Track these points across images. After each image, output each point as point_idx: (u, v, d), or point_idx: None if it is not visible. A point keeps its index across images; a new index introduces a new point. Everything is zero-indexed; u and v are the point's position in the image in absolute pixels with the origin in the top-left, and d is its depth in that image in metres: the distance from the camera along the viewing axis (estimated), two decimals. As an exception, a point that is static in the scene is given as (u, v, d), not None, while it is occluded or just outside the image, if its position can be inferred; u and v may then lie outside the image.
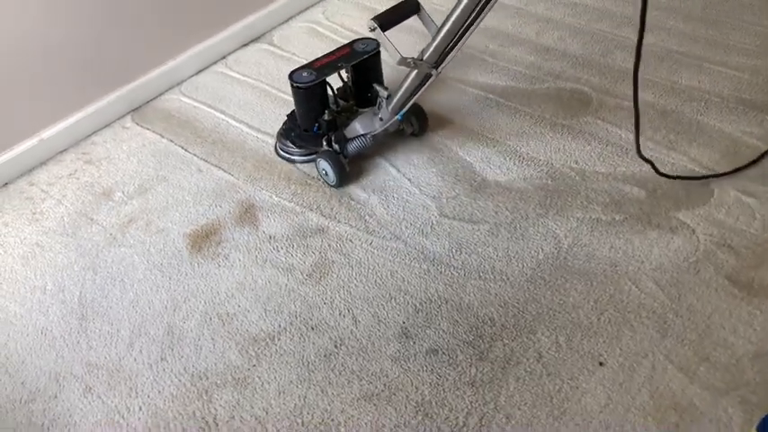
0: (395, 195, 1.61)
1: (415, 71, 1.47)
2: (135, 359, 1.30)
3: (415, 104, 1.60)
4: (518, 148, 1.71)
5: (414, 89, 1.51)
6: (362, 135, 1.62)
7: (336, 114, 1.66)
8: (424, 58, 1.44)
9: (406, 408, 1.19)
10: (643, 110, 1.79)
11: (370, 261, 1.45)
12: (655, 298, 1.33)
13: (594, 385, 1.20)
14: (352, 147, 1.62)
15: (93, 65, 1.83)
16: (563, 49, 2.05)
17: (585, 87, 1.90)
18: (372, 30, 1.42)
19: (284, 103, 1.93)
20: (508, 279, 1.39)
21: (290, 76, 1.60)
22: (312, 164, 1.68)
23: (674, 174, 1.54)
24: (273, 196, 1.63)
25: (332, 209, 1.59)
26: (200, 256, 1.50)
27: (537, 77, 1.95)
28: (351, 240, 1.50)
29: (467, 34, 1.39)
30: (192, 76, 2.09)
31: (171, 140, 1.83)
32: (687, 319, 1.29)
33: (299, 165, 1.71)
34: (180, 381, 1.26)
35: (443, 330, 1.31)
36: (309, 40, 2.21)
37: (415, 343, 1.29)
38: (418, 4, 1.48)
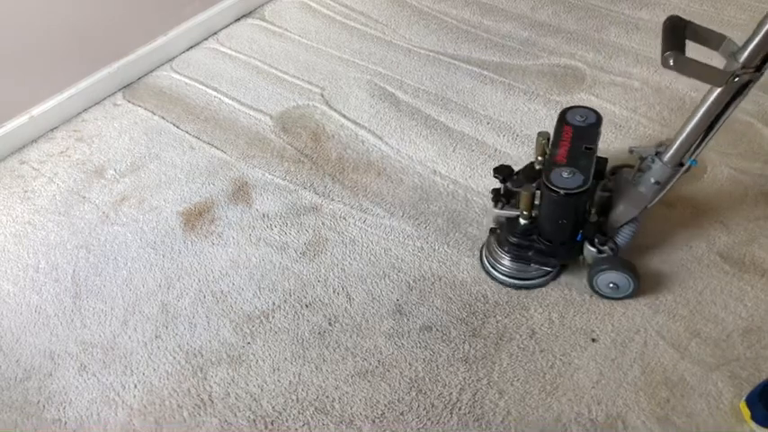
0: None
1: (718, 91, 1.12)
2: (129, 337, 1.30)
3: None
4: (512, 125, 1.70)
5: (720, 113, 1.15)
6: (632, 219, 1.27)
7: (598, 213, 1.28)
8: (741, 61, 1.09)
9: (399, 384, 1.20)
10: (638, 86, 1.79)
11: (363, 239, 1.45)
12: (646, 273, 1.33)
13: (587, 361, 1.21)
14: (623, 238, 1.27)
15: (83, 41, 1.81)
16: (557, 25, 2.04)
17: (580, 63, 1.89)
18: (675, 62, 1.06)
19: (276, 79, 1.92)
20: (501, 256, 1.39)
21: (548, 181, 1.17)
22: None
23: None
24: (267, 174, 1.63)
25: (325, 187, 1.58)
26: (194, 235, 1.49)
27: (531, 53, 1.94)
28: (344, 218, 1.50)
29: None
30: (184, 52, 2.07)
31: (162, 117, 1.82)
32: (679, 295, 1.30)
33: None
34: (174, 358, 1.26)
35: (437, 307, 1.31)
36: (302, 15, 2.19)
37: (408, 320, 1.30)
38: (681, 18, 1.15)
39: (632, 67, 1.87)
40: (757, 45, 1.08)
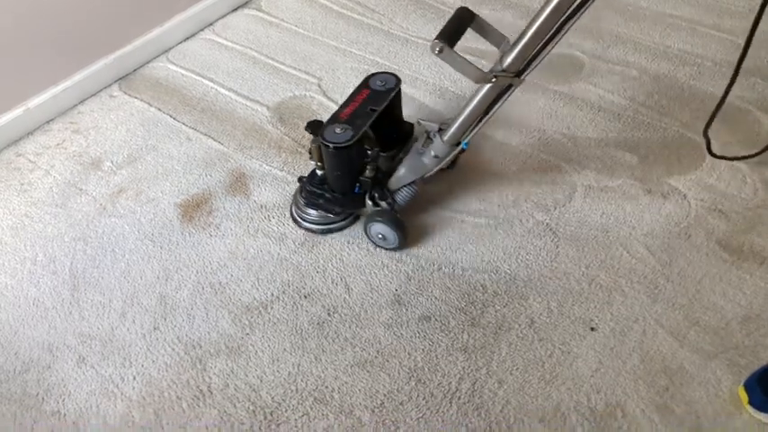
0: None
1: (488, 87, 1.23)
2: (128, 329, 1.30)
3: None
4: (510, 114, 1.70)
5: (486, 107, 1.27)
6: (411, 182, 1.38)
7: (376, 168, 1.40)
8: (504, 67, 1.20)
9: (399, 374, 1.20)
10: (636, 75, 1.79)
11: (362, 229, 1.45)
12: (646, 263, 1.33)
13: (586, 350, 1.21)
14: (401, 198, 1.39)
15: (79, 33, 1.80)
16: (555, 14, 2.03)
17: (578, 52, 1.88)
18: (440, 51, 1.15)
19: (273, 70, 1.91)
20: (499, 246, 1.39)
21: (322, 136, 1.31)
22: (344, 230, 1.47)
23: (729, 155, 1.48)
24: (264, 165, 1.62)
25: (323, 177, 1.58)
26: (192, 226, 1.49)
27: (529, 42, 1.93)
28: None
29: (561, 33, 1.19)
30: (180, 43, 2.06)
31: (159, 109, 1.81)
32: (678, 283, 1.30)
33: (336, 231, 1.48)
34: (173, 350, 1.26)
35: (436, 297, 1.31)
36: (298, 5, 2.18)
37: (407, 310, 1.30)
38: (471, 12, 1.25)
39: (630, 55, 1.86)
40: (518, 53, 1.18)
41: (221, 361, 1.24)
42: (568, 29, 1.18)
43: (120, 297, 1.36)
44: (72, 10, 1.75)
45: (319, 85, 1.84)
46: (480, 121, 1.29)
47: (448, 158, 1.34)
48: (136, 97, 1.86)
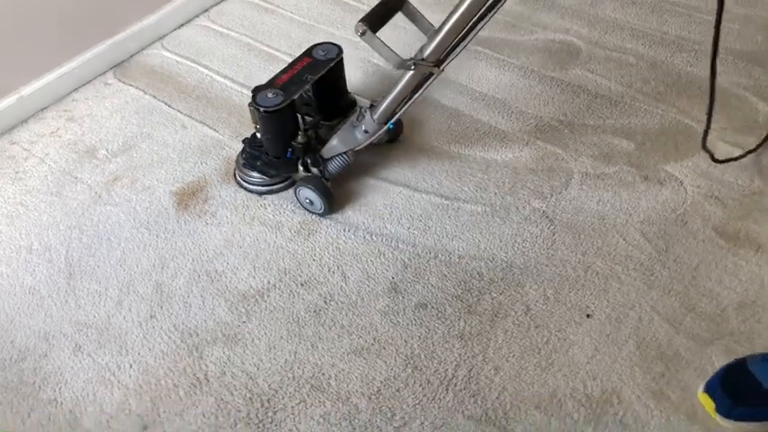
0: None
1: (411, 74, 1.29)
2: (124, 317, 1.30)
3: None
4: (506, 101, 1.69)
5: (409, 93, 1.33)
6: (343, 153, 1.43)
7: (309, 134, 1.47)
8: (425, 56, 1.26)
9: (395, 361, 1.20)
10: (633, 61, 1.78)
11: (358, 217, 1.45)
12: (642, 250, 1.33)
13: (582, 337, 1.21)
14: (333, 167, 1.44)
15: (72, 19, 1.79)
16: (552, 0, 2.02)
17: (575, 39, 1.87)
18: (363, 34, 1.22)
19: (269, 57, 1.90)
20: (495, 233, 1.39)
21: (253, 99, 1.39)
22: (283, 193, 1.52)
23: (726, 158, 1.46)
24: (260, 152, 1.62)
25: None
26: (187, 214, 1.49)
27: (525, 28, 1.93)
28: (338, 197, 1.49)
29: (477, 28, 1.25)
30: (175, 30, 2.04)
31: (154, 96, 1.80)
32: (674, 270, 1.30)
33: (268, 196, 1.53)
34: (170, 338, 1.26)
35: (432, 285, 1.31)
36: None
37: (404, 297, 1.30)
38: None
39: (627, 42, 1.85)
40: (437, 45, 1.25)
41: (218, 349, 1.24)
42: (483, 25, 1.25)
43: (116, 285, 1.36)
44: (65, -4, 1.74)
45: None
46: (405, 104, 1.35)
47: (376, 135, 1.41)
48: (131, 85, 1.85)
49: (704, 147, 1.42)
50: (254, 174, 1.50)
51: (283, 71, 1.45)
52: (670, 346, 1.18)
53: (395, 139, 1.61)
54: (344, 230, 1.42)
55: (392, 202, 1.47)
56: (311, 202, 1.45)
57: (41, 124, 1.75)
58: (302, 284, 1.33)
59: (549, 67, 1.79)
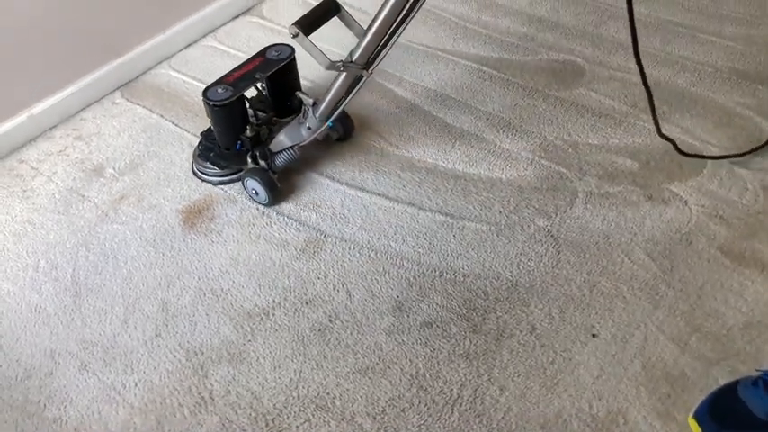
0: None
1: (344, 75, 1.39)
2: (130, 336, 1.30)
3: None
4: (511, 121, 1.70)
5: (344, 93, 1.44)
6: (290, 147, 1.52)
7: (258, 128, 1.55)
8: (354, 59, 1.37)
9: (400, 380, 1.20)
10: (636, 81, 1.79)
11: (363, 236, 1.45)
12: (647, 269, 1.33)
13: (587, 357, 1.21)
14: (279, 161, 1.52)
15: (81, 40, 1.81)
16: (556, 20, 2.04)
17: (578, 59, 1.88)
18: (295, 36, 1.33)
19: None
20: (500, 252, 1.39)
21: (204, 93, 1.49)
22: (237, 184, 1.59)
23: (693, 152, 1.51)
24: (266, 171, 1.63)
25: (324, 184, 1.58)
26: (194, 232, 1.49)
27: (530, 49, 1.94)
28: (344, 215, 1.50)
29: (398, 32, 1.34)
30: (182, 50, 2.06)
31: (161, 116, 1.82)
32: (679, 290, 1.29)
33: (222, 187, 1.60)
34: (175, 356, 1.26)
35: (437, 303, 1.31)
36: (299, 12, 2.16)
37: (409, 316, 1.30)
38: (338, 4, 1.39)
39: (631, 62, 1.84)
40: (363, 49, 1.35)
41: (223, 367, 1.24)
42: (403, 30, 1.34)
43: (122, 303, 1.36)
44: (74, 17, 1.76)
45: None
46: (341, 104, 1.45)
47: (318, 132, 1.50)
48: (138, 104, 1.87)
49: (661, 134, 1.44)
50: (209, 165, 1.59)
51: (236, 69, 1.55)
52: (676, 366, 1.18)
53: (346, 138, 1.68)
54: (349, 249, 1.43)
55: (397, 221, 1.48)
56: (257, 193, 1.52)
57: (50, 143, 1.76)
58: (307, 303, 1.34)
59: (554, 86, 1.80)
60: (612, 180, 1.52)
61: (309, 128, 1.51)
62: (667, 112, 1.68)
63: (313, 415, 1.16)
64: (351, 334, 1.28)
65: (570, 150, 1.61)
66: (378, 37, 1.33)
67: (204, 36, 2.11)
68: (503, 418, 1.13)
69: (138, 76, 1.97)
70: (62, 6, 1.72)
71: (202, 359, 1.26)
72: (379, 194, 1.54)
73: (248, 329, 1.30)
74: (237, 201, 1.55)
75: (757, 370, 1.08)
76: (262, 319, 1.31)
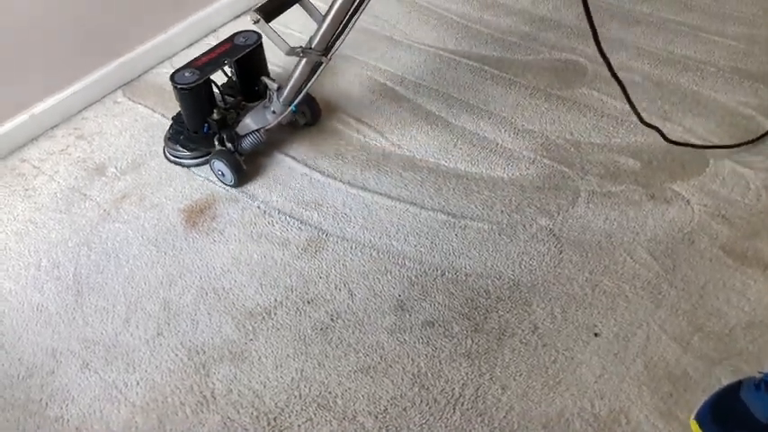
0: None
1: (305, 60, 1.45)
2: (132, 334, 1.30)
3: (306, 93, 1.57)
4: (513, 120, 1.70)
5: (305, 79, 1.49)
6: (256, 130, 1.56)
7: (225, 112, 1.59)
8: (313, 46, 1.42)
9: (402, 380, 1.20)
10: (639, 80, 1.79)
11: (365, 235, 1.45)
12: (649, 269, 1.33)
13: (589, 356, 1.21)
14: (246, 143, 1.56)
15: (83, 39, 1.81)
16: (558, 20, 2.03)
17: (581, 58, 1.88)
18: (256, 22, 1.38)
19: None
20: (502, 251, 1.39)
21: (172, 77, 1.52)
22: (207, 166, 1.62)
23: (681, 141, 1.53)
24: (268, 170, 1.62)
25: (326, 183, 1.58)
26: (195, 231, 1.49)
27: (532, 48, 1.94)
28: (345, 214, 1.50)
29: (354, 19, 1.39)
30: (184, 49, 2.06)
31: (163, 115, 1.81)
32: (681, 289, 1.29)
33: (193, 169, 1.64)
34: (177, 355, 1.26)
35: (439, 303, 1.31)
36: (301, 11, 2.18)
37: (410, 315, 1.30)
38: None
39: (633, 61, 1.86)
40: (321, 35, 1.41)
41: (225, 366, 1.24)
42: (358, 17, 1.39)
43: (124, 302, 1.36)
44: (75, 16, 1.76)
45: (322, 92, 1.84)
46: (303, 89, 1.51)
47: (282, 116, 1.55)
48: (140, 103, 1.87)
49: (644, 122, 1.47)
50: (179, 147, 1.63)
51: (204, 54, 1.59)
52: (678, 365, 1.18)
53: (313, 123, 1.72)
54: (351, 248, 1.43)
55: (399, 220, 1.48)
56: (223, 174, 1.57)
57: (51, 142, 1.76)
58: (309, 302, 1.34)
59: (556, 85, 1.80)
60: (615, 179, 1.52)
61: (274, 112, 1.57)
62: (669, 111, 1.68)
63: (315, 414, 1.16)
64: (352, 333, 1.28)
65: (572, 149, 1.60)
66: (334, 24, 1.39)
67: (206, 35, 2.11)
68: (504, 417, 1.13)
69: (139, 76, 1.97)
70: (63, 5, 1.72)
71: (204, 358, 1.26)
72: (380, 193, 1.54)
73: (250, 328, 1.30)
74: (239, 200, 1.55)
75: (760, 372, 1.07)
76: (263, 318, 1.31)
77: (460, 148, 1.64)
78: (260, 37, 1.60)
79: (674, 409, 1.12)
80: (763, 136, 1.55)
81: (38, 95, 1.78)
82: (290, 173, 1.61)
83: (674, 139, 1.49)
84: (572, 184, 1.52)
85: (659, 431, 1.09)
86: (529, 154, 1.60)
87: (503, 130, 1.67)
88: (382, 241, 1.44)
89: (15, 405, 1.21)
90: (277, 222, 1.50)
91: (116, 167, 1.67)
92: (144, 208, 1.56)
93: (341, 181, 1.58)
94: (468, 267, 1.37)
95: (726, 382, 1.14)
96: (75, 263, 1.45)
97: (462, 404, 1.15)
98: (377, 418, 1.15)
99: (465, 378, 1.19)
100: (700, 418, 1.07)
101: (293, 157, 1.65)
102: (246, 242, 1.46)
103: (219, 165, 1.56)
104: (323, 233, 1.46)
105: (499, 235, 1.43)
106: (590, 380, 1.17)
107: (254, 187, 1.58)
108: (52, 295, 1.39)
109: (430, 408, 1.15)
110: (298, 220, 1.50)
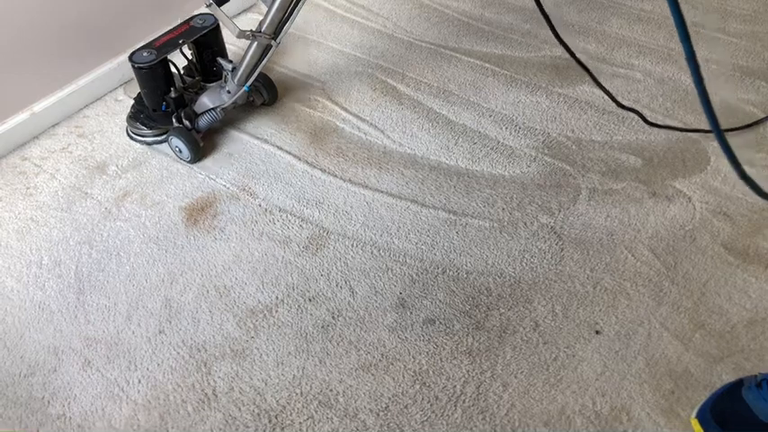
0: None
1: (256, 43, 1.51)
2: (133, 332, 1.31)
3: (263, 75, 1.69)
4: (514, 117, 1.70)
5: (257, 61, 1.55)
6: (212, 109, 1.63)
7: (183, 91, 1.67)
8: (262, 30, 1.48)
9: (403, 377, 1.20)
10: (640, 78, 1.79)
11: (366, 233, 1.45)
12: (651, 266, 1.33)
13: (591, 353, 1.21)
14: (202, 121, 1.64)
15: (83, 37, 1.81)
16: (559, 17, 2.03)
17: (582, 55, 1.88)
18: (208, 5, 1.44)
19: (276, 73, 1.91)
20: (503, 248, 1.39)
21: (130, 57, 1.58)
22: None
23: (663, 124, 1.55)
24: (268, 168, 1.62)
25: (327, 181, 1.58)
26: (197, 229, 1.49)
27: (533, 45, 1.94)
28: (347, 212, 1.50)
29: (299, 6, 1.46)
30: (184, 47, 2.06)
31: (164, 113, 1.81)
32: (683, 286, 1.29)
33: (154, 146, 1.71)
34: (178, 353, 1.27)
35: (440, 300, 1.31)
36: (302, 10, 2.17)
37: (411, 313, 1.30)
38: None
39: (635, 58, 1.86)
40: (270, 20, 1.47)
41: (226, 364, 1.24)
42: (303, 4, 1.46)
43: (126, 300, 1.36)
44: (77, 14, 1.76)
45: (323, 89, 1.84)
46: (255, 70, 1.58)
47: (237, 95, 1.62)
48: (141, 101, 1.86)
49: (620, 105, 1.52)
50: (139, 125, 1.70)
51: (163, 35, 1.64)
52: (679, 362, 1.18)
53: (271, 104, 1.80)
54: (352, 246, 1.43)
55: (400, 217, 1.48)
56: (180, 150, 1.64)
57: (53, 140, 1.76)
58: (310, 300, 1.34)
59: (557, 83, 1.80)
60: (616, 177, 1.52)
61: (229, 92, 1.64)
62: (671, 109, 1.68)
63: (316, 411, 1.16)
64: (354, 331, 1.28)
65: (573, 147, 1.60)
66: (281, 10, 1.46)
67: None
68: (506, 414, 1.13)
69: (140, 74, 1.97)
70: (64, 3, 1.72)
71: (206, 356, 1.26)
72: (382, 191, 1.54)
73: (251, 326, 1.30)
74: (240, 198, 1.55)
75: (761, 374, 1.07)
76: (265, 315, 1.32)
77: (461, 146, 1.63)
78: (216, 19, 1.65)
79: (676, 406, 1.12)
80: (750, 125, 1.58)
81: (39, 93, 1.77)
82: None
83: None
84: (573, 182, 1.52)
85: (661, 428, 1.09)
86: (530, 151, 1.60)
87: (504, 128, 1.67)
88: (383, 239, 1.44)
89: (17, 403, 1.21)
90: (278, 220, 1.50)
91: (117, 165, 1.67)
92: (145, 206, 1.56)
93: (342, 179, 1.58)
94: (469, 265, 1.37)
95: (727, 379, 1.14)
96: (76, 261, 1.45)
97: (463, 402, 1.15)
98: (378, 415, 1.15)
99: (466, 375, 1.19)
100: (701, 417, 1.07)
101: (289, 152, 1.65)
102: (248, 240, 1.46)
103: (177, 141, 1.62)
104: (324, 231, 1.46)
105: (500, 232, 1.43)
106: (591, 377, 1.17)
107: (255, 185, 1.58)
108: (54, 293, 1.39)
109: (431, 405, 1.15)
110: (299, 217, 1.50)
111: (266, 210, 1.52)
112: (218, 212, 1.53)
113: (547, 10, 1.21)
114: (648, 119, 1.64)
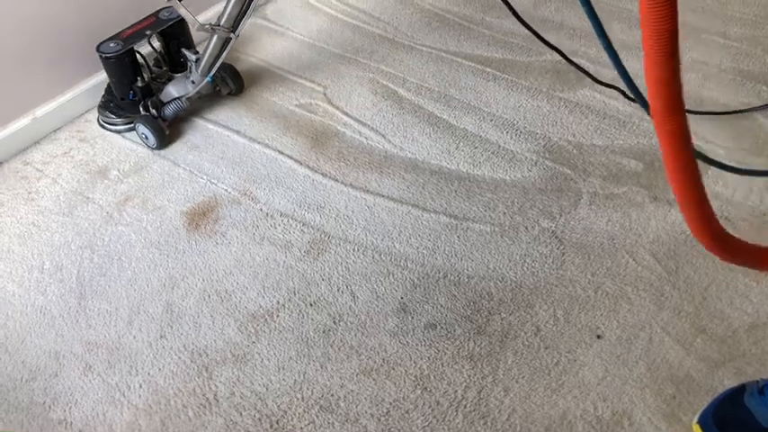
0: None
1: (216, 36, 1.57)
2: (134, 337, 1.31)
3: (228, 65, 1.78)
4: (515, 122, 1.70)
5: (218, 52, 1.61)
6: (178, 98, 1.70)
7: (151, 81, 1.75)
8: (221, 23, 1.54)
9: (404, 382, 1.20)
10: (640, 83, 1.79)
11: (367, 237, 1.45)
12: (652, 270, 1.33)
13: (592, 358, 1.20)
14: (168, 110, 1.70)
15: (85, 42, 1.81)
16: (560, 21, 2.03)
17: (582, 59, 1.88)
18: (169, 0, 1.51)
19: (279, 78, 1.92)
20: (505, 253, 1.39)
21: (98, 47, 1.65)
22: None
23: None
24: (270, 173, 1.63)
25: (328, 185, 1.58)
26: (198, 234, 1.49)
27: (534, 50, 1.94)
28: (348, 216, 1.50)
29: (253, 3, 1.51)
30: (186, 51, 2.06)
31: (165, 117, 1.82)
32: (684, 291, 1.29)
33: (124, 134, 1.77)
34: (180, 358, 1.27)
35: (441, 305, 1.31)
36: (304, 14, 2.19)
37: (413, 318, 1.30)
38: None
39: (635, 62, 1.86)
40: (228, 13, 1.53)
41: (227, 369, 1.24)
42: None
43: (127, 305, 1.36)
44: (78, 19, 1.76)
45: (324, 94, 1.84)
46: (217, 62, 1.63)
47: (200, 85, 1.68)
48: (142, 106, 1.87)
49: (599, 82, 1.57)
50: (109, 114, 1.77)
51: (130, 27, 1.70)
52: (681, 367, 1.18)
53: (237, 94, 1.86)
54: (353, 250, 1.43)
55: (401, 222, 1.48)
56: (146, 137, 1.70)
57: (54, 145, 1.77)
58: (311, 304, 1.34)
59: (558, 87, 1.80)
60: (617, 181, 1.52)
61: (193, 82, 1.70)
62: (672, 113, 1.67)
63: (317, 416, 1.16)
64: (355, 335, 1.28)
65: (574, 151, 1.60)
66: (238, 4, 1.51)
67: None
68: (507, 419, 1.13)
69: (142, 78, 1.97)
70: (67, 8, 1.72)
71: (207, 360, 1.26)
72: (383, 196, 1.54)
73: (252, 331, 1.30)
74: (242, 202, 1.56)
75: (763, 379, 1.07)
76: (266, 320, 1.32)
77: (462, 150, 1.64)
78: (179, 16, 1.68)
79: (678, 411, 1.12)
80: (729, 112, 1.63)
81: (40, 98, 1.78)
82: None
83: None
84: (574, 186, 1.52)
85: (662, 433, 1.09)
86: (531, 156, 1.60)
87: (505, 132, 1.67)
88: (384, 243, 1.44)
89: (19, 408, 1.21)
90: (279, 225, 1.50)
91: (118, 170, 1.67)
92: (146, 211, 1.56)
93: (343, 183, 1.58)
94: (470, 269, 1.37)
95: (729, 384, 1.14)
96: (77, 266, 1.45)
97: (465, 407, 1.15)
98: (379, 420, 1.15)
99: (467, 380, 1.19)
100: (702, 422, 1.07)
101: (284, 152, 1.65)
102: (249, 244, 1.46)
103: (143, 128, 1.68)
104: (325, 235, 1.47)
105: (501, 237, 1.43)
106: (593, 382, 1.17)
107: (257, 189, 1.58)
108: (55, 298, 1.39)
109: (432, 410, 1.15)
110: (300, 222, 1.50)
111: (267, 214, 1.52)
112: (220, 217, 1.53)
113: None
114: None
